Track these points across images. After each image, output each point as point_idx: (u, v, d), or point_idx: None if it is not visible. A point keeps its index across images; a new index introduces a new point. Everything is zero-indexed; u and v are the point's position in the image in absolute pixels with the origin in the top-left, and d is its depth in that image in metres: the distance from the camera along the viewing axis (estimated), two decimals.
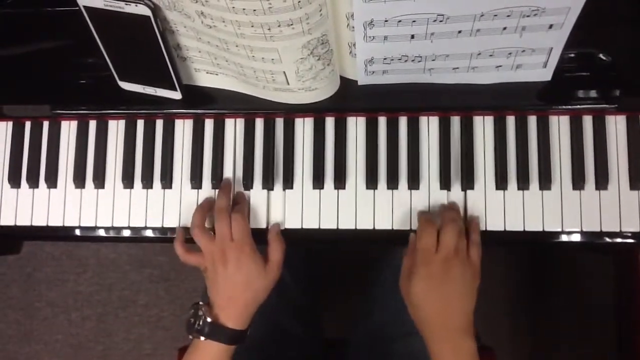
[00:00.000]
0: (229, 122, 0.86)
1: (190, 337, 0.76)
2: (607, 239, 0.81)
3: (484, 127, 0.83)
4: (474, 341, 0.73)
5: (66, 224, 0.87)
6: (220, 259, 0.76)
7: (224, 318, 0.75)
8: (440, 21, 0.67)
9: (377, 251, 0.91)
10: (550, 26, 0.68)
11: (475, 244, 0.77)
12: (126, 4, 0.69)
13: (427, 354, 0.74)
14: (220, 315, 0.76)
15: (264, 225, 0.84)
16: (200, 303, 0.77)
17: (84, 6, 0.71)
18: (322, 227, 0.83)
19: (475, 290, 0.75)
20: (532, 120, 0.82)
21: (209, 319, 0.75)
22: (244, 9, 0.63)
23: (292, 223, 0.84)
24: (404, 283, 0.77)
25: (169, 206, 0.86)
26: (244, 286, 0.76)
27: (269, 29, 0.66)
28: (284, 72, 0.74)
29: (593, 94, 0.81)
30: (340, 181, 0.83)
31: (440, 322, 0.73)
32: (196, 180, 0.85)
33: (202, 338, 0.74)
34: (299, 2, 0.62)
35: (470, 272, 0.75)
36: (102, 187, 0.87)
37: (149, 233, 0.87)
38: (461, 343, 0.72)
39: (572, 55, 0.78)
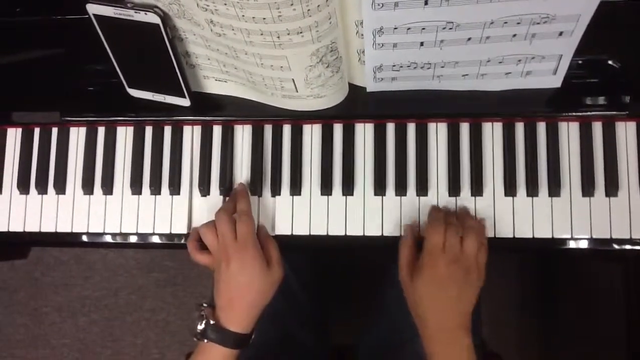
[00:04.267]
0: (238, 129, 0.86)
1: (194, 339, 0.75)
2: (617, 246, 0.80)
3: (493, 133, 0.82)
4: (469, 336, 0.73)
5: (74, 230, 0.88)
6: (225, 259, 0.75)
7: (225, 320, 0.74)
8: (450, 29, 0.67)
9: (385, 257, 0.90)
10: (560, 33, 0.68)
11: (483, 246, 0.77)
12: (136, 12, 0.69)
13: None
14: (221, 317, 0.74)
15: (271, 232, 0.84)
16: (204, 304, 0.76)
17: (94, 14, 0.72)
18: (330, 233, 0.83)
19: (477, 293, 0.75)
20: (542, 127, 0.82)
21: (211, 321, 0.74)
22: (253, 17, 0.63)
23: (300, 230, 0.84)
24: (405, 277, 0.76)
25: (177, 212, 0.86)
26: (246, 287, 0.74)
27: (278, 37, 0.66)
28: (293, 80, 0.74)
29: (602, 100, 0.80)
30: (348, 188, 0.83)
31: (438, 320, 0.74)
32: (204, 187, 0.85)
33: (205, 340, 0.73)
34: (309, 10, 0.62)
35: (476, 275, 0.75)
36: (111, 193, 0.87)
37: (156, 239, 0.87)
38: (455, 340, 0.73)
39: (582, 61, 0.78)
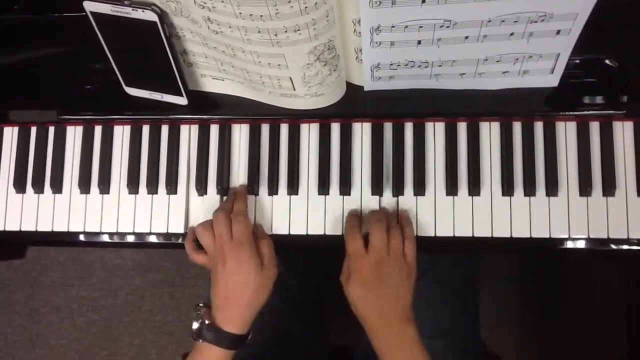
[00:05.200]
0: (235, 128, 0.86)
1: (192, 339, 0.76)
2: (615, 246, 0.80)
3: (490, 133, 0.82)
4: (412, 326, 0.74)
5: (71, 230, 0.88)
6: (221, 258, 0.75)
7: (220, 320, 0.75)
8: (447, 27, 0.67)
9: None
10: (558, 32, 0.68)
11: (409, 239, 0.77)
12: (133, 10, 0.69)
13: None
14: (217, 316, 0.75)
15: (269, 231, 0.84)
16: (200, 305, 0.77)
17: (91, 12, 0.71)
18: (327, 233, 0.83)
19: (412, 285, 0.76)
20: (539, 127, 0.82)
21: (206, 321, 0.74)
22: (250, 15, 0.63)
23: (297, 229, 0.84)
24: (343, 283, 0.78)
25: (173, 212, 0.86)
26: (242, 286, 0.75)
27: (275, 35, 0.66)
28: (290, 78, 0.74)
29: (600, 100, 0.80)
30: (345, 187, 0.83)
31: (377, 318, 0.75)
32: (201, 186, 0.85)
33: (201, 341, 0.74)
34: (306, 7, 0.62)
35: (405, 269, 0.76)
36: (107, 192, 0.87)
37: (153, 239, 0.87)
38: (399, 333, 0.74)
39: (579, 61, 0.78)
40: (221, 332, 0.74)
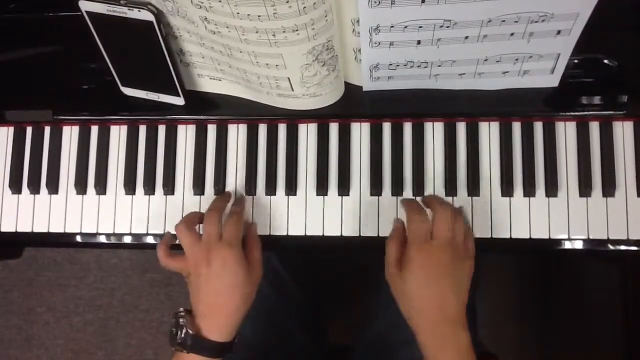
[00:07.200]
0: (232, 128, 0.85)
1: (172, 348, 0.71)
2: (614, 247, 0.80)
3: (489, 133, 0.82)
4: (468, 334, 0.67)
5: (67, 231, 0.87)
6: (205, 259, 0.70)
7: (206, 329, 0.70)
8: (447, 27, 0.66)
9: (381, 258, 0.90)
10: (558, 32, 0.67)
11: (469, 232, 0.73)
12: (129, 9, 0.69)
13: None
14: (202, 325, 0.70)
15: (267, 232, 0.83)
16: (181, 312, 0.71)
17: (87, 12, 0.71)
18: (325, 234, 0.83)
19: (469, 282, 0.70)
20: (539, 127, 0.81)
21: (190, 331, 0.69)
22: (248, 15, 0.62)
23: (295, 230, 0.83)
24: (393, 272, 0.70)
25: (170, 212, 0.85)
26: (229, 291, 0.71)
27: (273, 35, 0.65)
28: (288, 78, 0.73)
29: (600, 100, 0.80)
30: (344, 188, 0.82)
31: (436, 314, 0.67)
32: (199, 187, 0.85)
33: (185, 351, 0.69)
34: (304, 7, 0.61)
35: (468, 262, 0.70)
36: (104, 193, 0.86)
37: (150, 239, 0.86)
38: (457, 337, 0.67)
39: (579, 61, 0.78)
40: (207, 342, 0.69)
